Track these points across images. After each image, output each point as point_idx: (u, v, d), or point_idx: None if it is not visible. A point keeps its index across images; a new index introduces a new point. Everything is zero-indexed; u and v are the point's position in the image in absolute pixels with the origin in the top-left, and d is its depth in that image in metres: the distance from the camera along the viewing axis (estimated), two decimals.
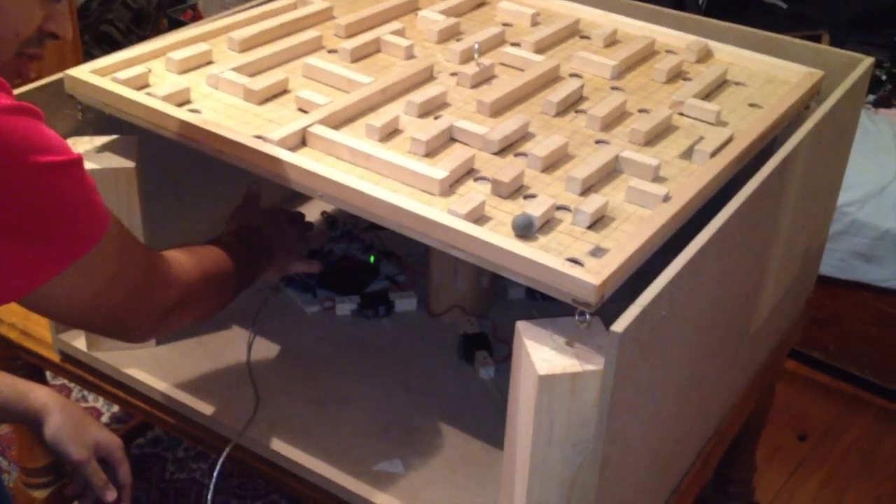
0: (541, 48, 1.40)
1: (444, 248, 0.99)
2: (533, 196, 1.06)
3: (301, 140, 1.12)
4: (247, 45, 1.31)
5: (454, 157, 1.09)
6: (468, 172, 1.09)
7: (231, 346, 1.35)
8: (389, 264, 1.53)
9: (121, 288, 0.95)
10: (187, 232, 1.48)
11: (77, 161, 0.85)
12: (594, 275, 0.91)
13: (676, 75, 1.36)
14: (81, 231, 0.87)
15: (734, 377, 1.33)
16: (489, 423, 1.24)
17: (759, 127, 1.21)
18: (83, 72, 1.19)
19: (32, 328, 1.41)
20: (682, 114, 1.26)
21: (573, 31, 1.47)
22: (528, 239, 0.99)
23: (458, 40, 1.40)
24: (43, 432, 1.16)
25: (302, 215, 1.38)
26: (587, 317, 0.93)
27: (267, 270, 1.26)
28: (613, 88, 1.32)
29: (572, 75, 1.34)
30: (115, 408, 2.03)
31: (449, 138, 1.15)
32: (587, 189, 1.08)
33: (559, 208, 1.04)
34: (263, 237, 1.25)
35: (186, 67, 1.25)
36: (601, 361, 0.91)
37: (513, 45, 1.40)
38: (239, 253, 1.16)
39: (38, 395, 1.17)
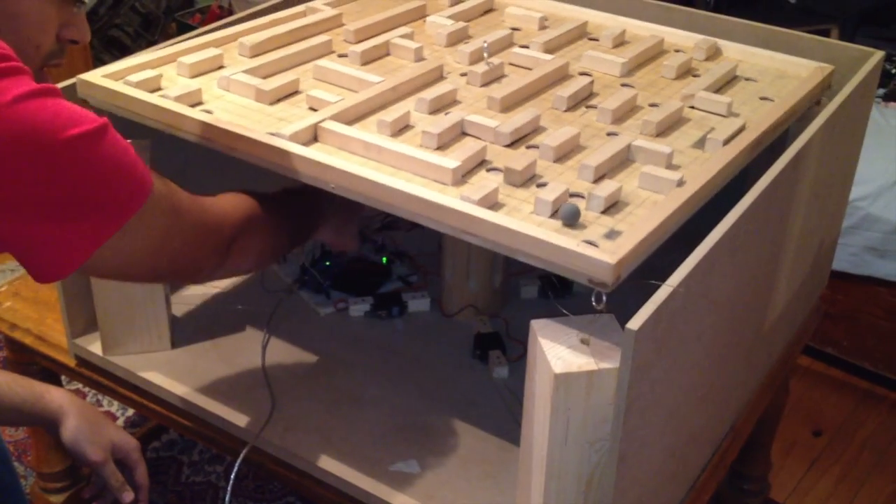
0: (549, 49, 1.40)
1: (459, 234, 0.99)
2: (545, 184, 1.06)
3: (313, 136, 1.12)
4: (257, 51, 1.32)
5: (466, 149, 1.09)
6: (480, 163, 1.10)
7: (245, 349, 1.35)
8: (402, 265, 1.54)
9: (177, 238, 0.96)
10: None
11: (106, 125, 0.86)
12: (610, 254, 0.91)
13: (686, 72, 1.36)
14: (126, 191, 0.87)
15: (749, 373, 1.33)
16: (504, 423, 1.24)
17: (772, 117, 1.21)
18: (95, 76, 1.19)
19: (48, 333, 1.42)
20: (692, 107, 1.25)
21: (581, 33, 1.47)
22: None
23: (466, 43, 1.40)
24: (60, 434, 1.17)
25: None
26: (603, 298, 0.92)
27: (322, 229, 1.29)
28: (623, 85, 1.31)
29: (582, 73, 1.34)
30: (130, 412, 2.04)
31: (460, 132, 1.15)
32: (600, 177, 1.08)
33: (572, 195, 1.04)
34: (318, 198, 1.26)
35: (198, 71, 1.25)
36: (617, 359, 0.91)
37: (522, 46, 1.40)
38: (289, 203, 1.20)
39: (54, 396, 1.18)
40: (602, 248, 0.94)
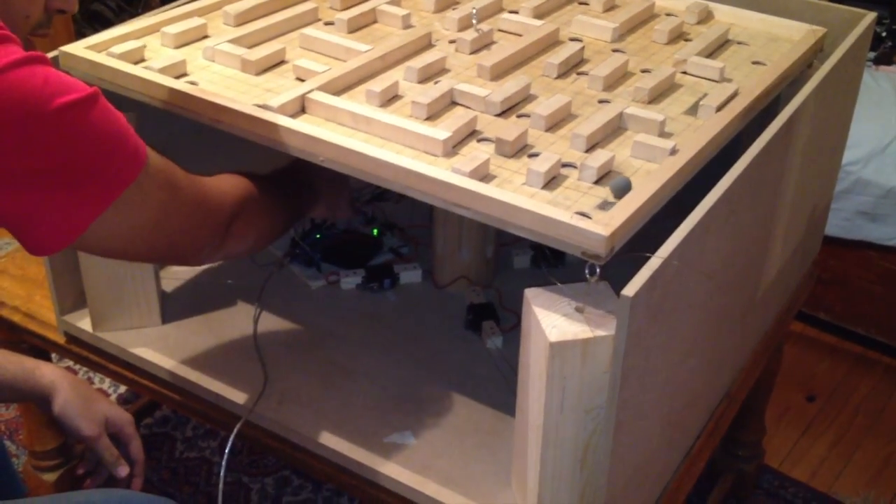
0: (539, 14, 1.38)
1: (450, 207, 0.98)
2: (537, 154, 1.04)
3: (300, 107, 1.10)
4: (242, 19, 1.30)
5: (456, 118, 1.08)
6: (471, 134, 1.08)
7: (237, 323, 1.34)
8: (393, 236, 1.53)
9: (175, 215, 0.95)
10: None
11: (96, 94, 0.85)
12: (603, 226, 0.90)
13: (678, 36, 1.35)
14: (119, 161, 0.87)
15: (744, 339, 1.33)
16: (498, 393, 1.23)
17: (764, 82, 1.20)
18: (78, 48, 1.17)
19: (36, 310, 1.40)
20: (685, 72, 1.24)
21: None
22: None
23: (454, 9, 1.38)
24: (52, 409, 1.16)
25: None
26: (597, 270, 0.92)
27: (316, 205, 1.30)
28: (614, 51, 1.30)
29: (572, 39, 1.32)
30: (122, 388, 2.03)
31: (450, 101, 1.14)
32: (592, 146, 1.07)
33: (565, 165, 1.03)
34: (310, 175, 1.26)
35: (182, 41, 1.23)
36: (612, 326, 0.90)
37: (511, 12, 1.38)
38: (284, 182, 1.19)
39: (44, 372, 1.17)
40: (595, 219, 0.92)
